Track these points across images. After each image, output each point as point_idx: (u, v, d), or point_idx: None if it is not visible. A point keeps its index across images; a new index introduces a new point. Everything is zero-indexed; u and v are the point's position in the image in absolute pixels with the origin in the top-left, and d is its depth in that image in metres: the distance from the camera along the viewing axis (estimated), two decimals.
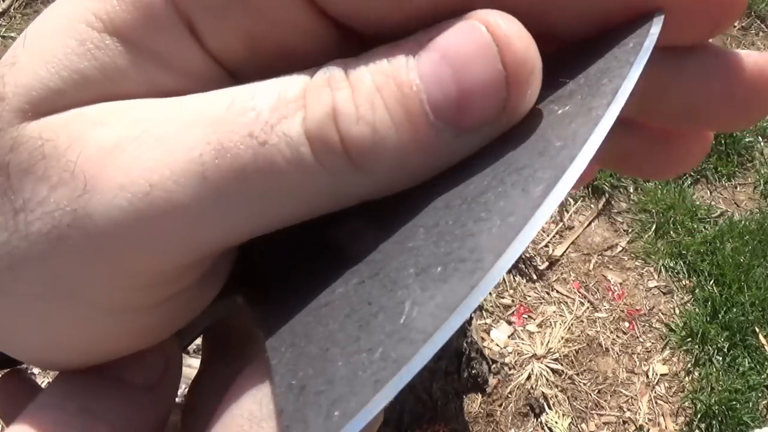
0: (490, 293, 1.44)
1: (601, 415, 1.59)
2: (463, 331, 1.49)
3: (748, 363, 1.65)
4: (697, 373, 1.66)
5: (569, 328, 1.70)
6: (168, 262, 0.17)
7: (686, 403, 1.61)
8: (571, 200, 1.92)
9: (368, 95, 0.16)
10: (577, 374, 1.64)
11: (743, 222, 1.88)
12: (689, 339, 1.70)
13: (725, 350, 1.68)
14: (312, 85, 0.17)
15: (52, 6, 0.18)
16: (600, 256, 1.84)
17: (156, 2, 0.17)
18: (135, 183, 0.16)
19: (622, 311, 1.74)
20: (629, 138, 0.23)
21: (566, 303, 1.74)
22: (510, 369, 1.62)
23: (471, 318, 1.57)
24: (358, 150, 0.16)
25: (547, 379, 1.61)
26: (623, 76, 0.16)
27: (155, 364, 0.21)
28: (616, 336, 1.71)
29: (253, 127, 0.16)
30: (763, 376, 1.64)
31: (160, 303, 0.18)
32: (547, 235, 1.85)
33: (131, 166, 0.16)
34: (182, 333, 0.24)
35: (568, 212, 1.90)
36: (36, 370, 1.53)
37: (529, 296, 1.75)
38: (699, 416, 1.58)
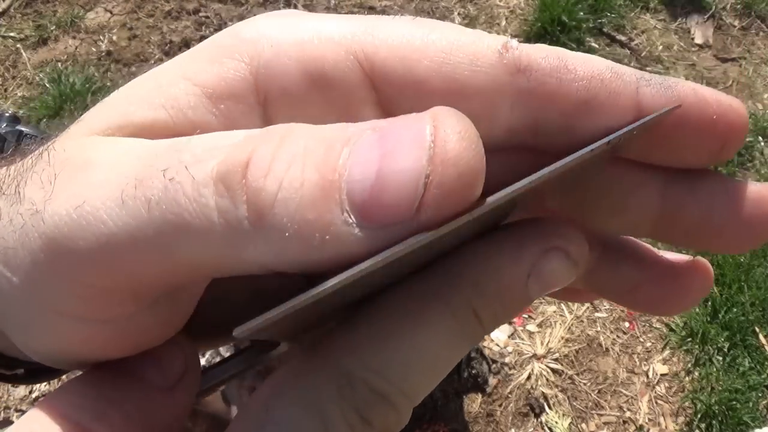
0: None
1: (601, 415, 1.59)
2: None
3: (748, 363, 1.65)
4: (697, 373, 1.66)
5: (569, 328, 1.70)
6: (102, 277, 0.17)
7: (686, 403, 1.61)
8: None
9: (292, 154, 0.16)
10: (578, 374, 1.64)
11: None
12: (689, 339, 1.70)
13: (725, 350, 1.67)
14: (250, 135, 0.17)
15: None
16: None
17: (240, 77, 0.19)
18: (74, 200, 0.17)
19: (622, 311, 1.74)
20: (639, 271, 0.24)
21: (566, 303, 1.74)
22: (510, 369, 1.62)
23: None
24: (257, 204, 0.15)
25: (547, 379, 1.61)
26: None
27: (175, 366, 0.22)
28: (616, 336, 1.71)
29: (171, 164, 0.16)
30: (763, 376, 1.64)
31: (123, 317, 0.19)
32: None
33: (82, 186, 0.17)
34: (205, 373, 0.26)
35: None
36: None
37: None
38: (699, 416, 1.58)
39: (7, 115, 1.12)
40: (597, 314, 1.73)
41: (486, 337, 1.67)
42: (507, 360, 1.63)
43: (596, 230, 0.24)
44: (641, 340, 1.71)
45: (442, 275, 0.19)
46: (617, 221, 0.23)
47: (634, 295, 0.25)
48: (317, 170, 0.16)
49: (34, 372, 0.25)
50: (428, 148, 0.15)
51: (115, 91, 0.20)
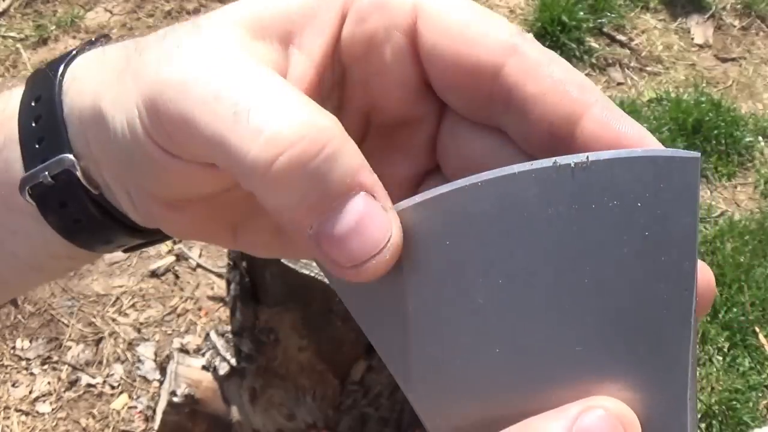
0: None
1: None
2: None
3: (748, 363, 1.65)
4: (697, 373, 1.66)
5: None
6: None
7: None
8: None
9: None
10: None
11: (743, 222, 1.88)
12: None
13: (725, 350, 1.67)
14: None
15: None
16: None
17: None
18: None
19: None
20: None
21: None
22: None
23: None
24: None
25: None
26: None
27: None
28: None
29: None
30: (763, 376, 1.64)
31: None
32: None
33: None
34: None
35: None
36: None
37: None
38: (699, 416, 1.58)
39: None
40: None
41: None
42: None
43: None
44: None
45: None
46: None
47: None
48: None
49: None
50: None
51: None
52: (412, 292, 0.20)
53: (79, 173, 0.25)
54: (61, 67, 0.26)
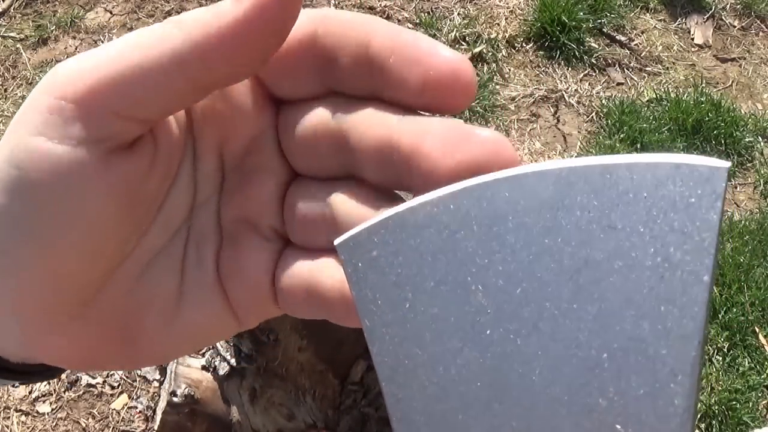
0: None
1: None
2: None
3: (748, 363, 1.65)
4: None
5: None
6: None
7: None
8: None
9: None
10: None
11: (743, 222, 1.88)
12: None
13: (725, 350, 1.68)
14: None
15: None
16: None
17: None
18: None
19: None
20: None
21: None
22: None
23: None
24: None
25: None
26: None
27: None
28: None
29: None
30: (763, 376, 1.64)
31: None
32: None
33: None
34: None
35: None
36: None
37: None
38: (699, 416, 1.58)
39: None
40: None
41: None
42: None
43: None
44: None
45: None
46: None
47: None
48: None
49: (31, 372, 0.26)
50: None
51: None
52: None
53: None
54: None
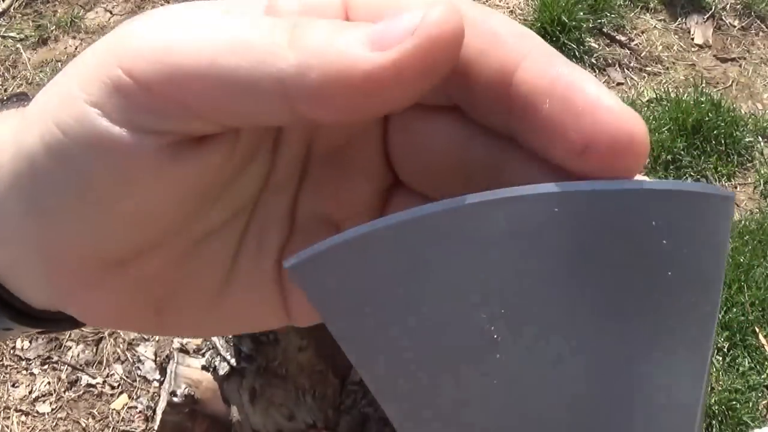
0: None
1: None
2: None
3: (748, 363, 1.65)
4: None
5: None
6: None
7: None
8: None
9: None
10: None
11: (743, 222, 1.88)
12: None
13: (725, 350, 1.68)
14: None
15: None
16: None
17: None
18: None
19: None
20: None
21: None
22: None
23: None
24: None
25: None
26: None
27: None
28: None
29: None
30: (763, 376, 1.64)
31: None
32: None
33: None
34: None
35: None
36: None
37: None
38: None
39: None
40: None
41: None
42: None
43: None
44: None
45: None
46: None
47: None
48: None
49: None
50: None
51: None
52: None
53: None
54: None
